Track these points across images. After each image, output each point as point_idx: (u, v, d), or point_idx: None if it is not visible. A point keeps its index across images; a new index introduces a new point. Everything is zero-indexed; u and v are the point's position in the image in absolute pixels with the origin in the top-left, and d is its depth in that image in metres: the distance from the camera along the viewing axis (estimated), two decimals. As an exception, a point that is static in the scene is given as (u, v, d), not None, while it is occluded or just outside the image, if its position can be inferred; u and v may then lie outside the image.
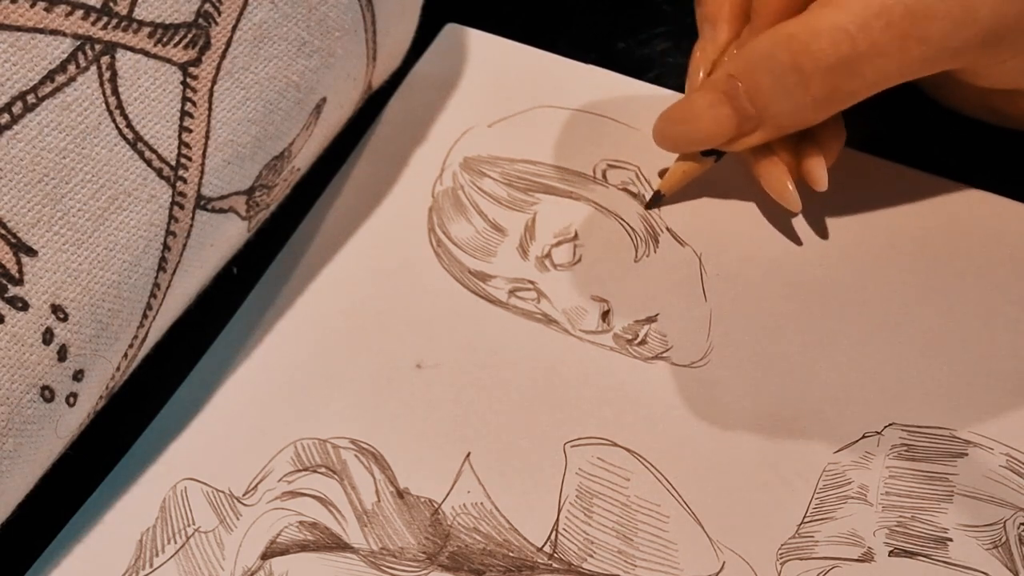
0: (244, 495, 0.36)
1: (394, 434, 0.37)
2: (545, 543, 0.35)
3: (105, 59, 0.31)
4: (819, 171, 0.39)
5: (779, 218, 0.41)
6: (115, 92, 0.32)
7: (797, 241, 0.41)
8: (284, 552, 0.35)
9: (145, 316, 0.34)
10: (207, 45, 0.33)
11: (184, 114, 0.33)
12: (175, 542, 0.35)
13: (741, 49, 0.39)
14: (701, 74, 0.40)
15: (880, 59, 0.34)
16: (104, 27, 0.31)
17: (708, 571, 0.34)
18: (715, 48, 0.40)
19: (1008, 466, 0.36)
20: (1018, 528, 0.35)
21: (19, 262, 0.30)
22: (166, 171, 0.33)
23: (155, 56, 0.32)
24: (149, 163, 0.33)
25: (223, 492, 0.36)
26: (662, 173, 0.42)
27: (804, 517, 0.35)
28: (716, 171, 0.41)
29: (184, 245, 0.34)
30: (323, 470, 0.36)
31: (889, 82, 0.36)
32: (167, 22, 0.32)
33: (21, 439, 0.31)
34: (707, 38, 0.40)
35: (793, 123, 0.37)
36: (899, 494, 0.35)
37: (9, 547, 0.34)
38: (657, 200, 0.42)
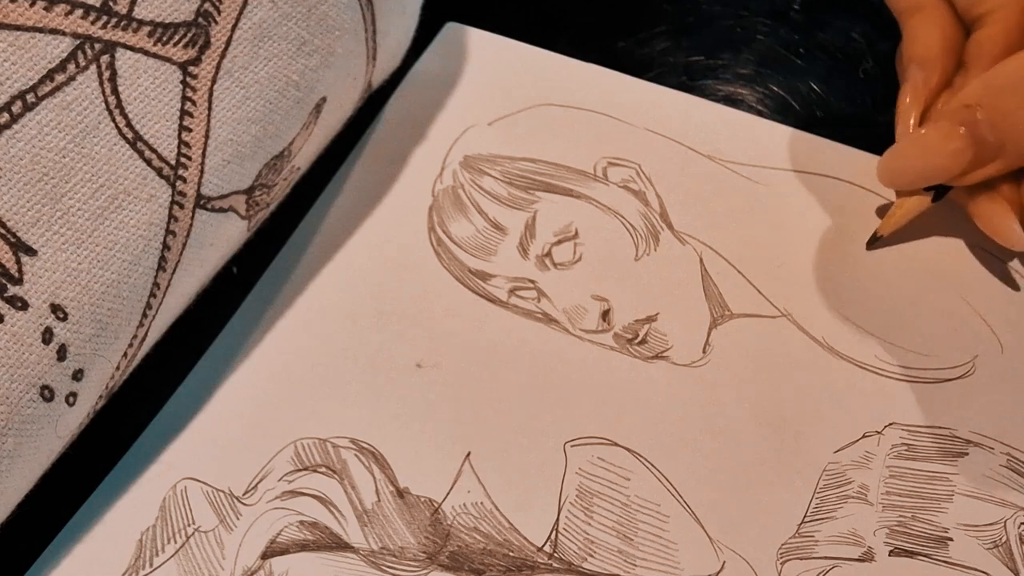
0: (244, 495, 0.36)
1: (394, 434, 0.37)
2: (545, 543, 0.35)
3: (105, 58, 0.31)
4: None
5: (781, 218, 0.41)
6: (115, 91, 0.32)
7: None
8: (284, 551, 0.35)
9: (145, 315, 0.34)
10: (207, 44, 0.33)
11: (184, 113, 0.33)
12: (175, 542, 0.35)
13: (976, 81, 0.37)
14: (913, 118, 0.39)
15: None
16: (104, 26, 0.31)
17: (708, 571, 0.34)
18: (927, 90, 0.39)
19: (1008, 466, 0.36)
20: (1018, 528, 0.35)
21: (19, 261, 0.30)
22: (166, 170, 0.33)
23: (155, 55, 0.32)
24: (149, 162, 0.32)
25: (223, 492, 0.36)
26: (880, 212, 0.41)
27: (804, 517, 0.35)
28: (716, 170, 0.41)
29: (184, 244, 0.34)
30: (323, 470, 0.36)
31: None
32: (167, 21, 0.32)
33: (21, 438, 0.31)
34: (917, 81, 0.39)
35: None
36: (899, 494, 0.35)
37: (9, 547, 0.34)
38: (875, 241, 0.40)
